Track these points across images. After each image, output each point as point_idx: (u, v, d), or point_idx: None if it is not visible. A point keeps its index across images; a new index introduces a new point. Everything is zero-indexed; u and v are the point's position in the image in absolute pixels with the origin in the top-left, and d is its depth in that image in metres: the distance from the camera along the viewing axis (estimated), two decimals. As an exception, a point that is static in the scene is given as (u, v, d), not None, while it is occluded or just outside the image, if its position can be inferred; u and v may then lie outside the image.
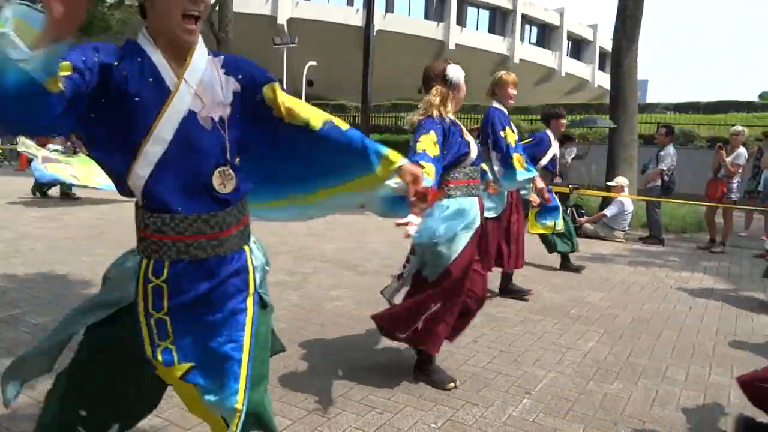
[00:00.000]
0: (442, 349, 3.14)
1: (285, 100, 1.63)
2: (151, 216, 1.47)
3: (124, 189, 1.49)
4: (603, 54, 42.28)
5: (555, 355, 3.65)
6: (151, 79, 1.43)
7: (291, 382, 3.09)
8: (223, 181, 1.49)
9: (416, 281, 3.03)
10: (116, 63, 1.41)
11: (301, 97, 31.78)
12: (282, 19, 33.96)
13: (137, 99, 1.40)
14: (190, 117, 1.45)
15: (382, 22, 33.33)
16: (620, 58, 10.10)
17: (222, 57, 1.58)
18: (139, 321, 1.49)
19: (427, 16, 38.13)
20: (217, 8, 17.17)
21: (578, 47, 44.78)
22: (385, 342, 3.62)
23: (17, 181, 13.00)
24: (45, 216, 8.33)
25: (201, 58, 1.52)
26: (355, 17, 34.39)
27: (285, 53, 31.51)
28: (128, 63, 1.43)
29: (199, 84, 1.49)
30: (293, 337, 3.79)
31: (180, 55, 1.49)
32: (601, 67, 43.39)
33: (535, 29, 42.31)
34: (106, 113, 1.38)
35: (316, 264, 5.94)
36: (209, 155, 1.47)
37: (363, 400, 2.93)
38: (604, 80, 39.59)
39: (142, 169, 1.42)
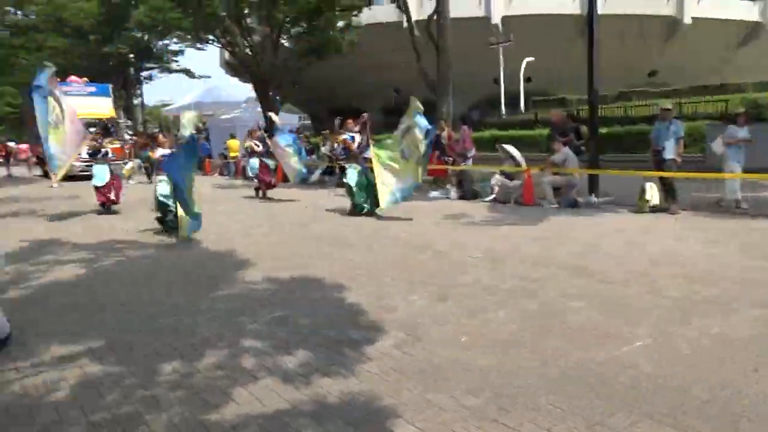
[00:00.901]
0: None
1: None
2: None
3: None
4: None
5: None
6: None
7: (538, 398, 3.01)
8: None
9: None
10: None
11: (519, 96, 31.17)
12: (496, 19, 33.73)
13: None
14: None
15: (603, 5, 31.16)
16: None
17: None
18: None
19: (653, -8, 34.61)
20: (434, 18, 17.67)
21: None
22: (641, 358, 3.33)
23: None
24: (298, 224, 9.40)
25: None
26: (571, 5, 32.66)
27: (501, 52, 31.33)
28: None
29: None
30: (534, 350, 3.70)
31: None
32: None
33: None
34: None
35: (552, 270, 5.74)
36: None
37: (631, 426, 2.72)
38: None
39: None
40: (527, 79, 33.15)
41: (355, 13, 23.63)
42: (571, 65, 32.47)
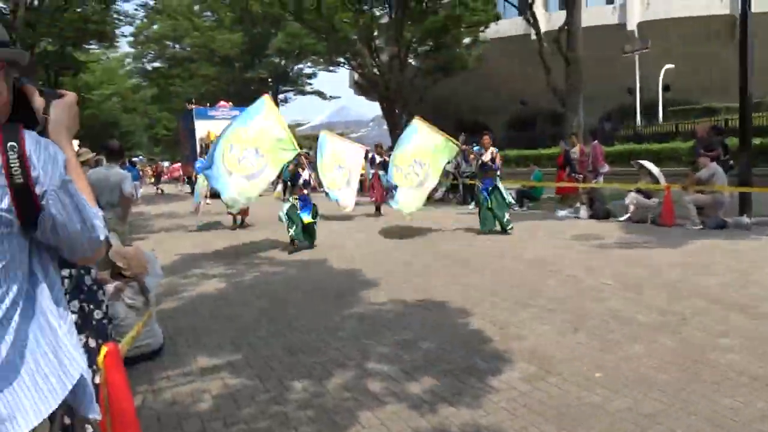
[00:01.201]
0: None
1: None
2: None
3: None
4: None
5: None
6: None
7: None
8: None
9: None
10: None
11: (657, 106, 29.11)
12: (631, 25, 31.87)
13: None
14: None
15: (757, 2, 28.38)
16: None
17: None
18: None
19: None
20: (565, 28, 17.08)
21: None
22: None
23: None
24: (422, 244, 9.45)
25: None
26: (719, 5, 30.00)
27: (636, 60, 29.50)
28: None
29: None
30: (677, 394, 3.38)
31: None
32: None
33: None
34: None
35: (696, 302, 5.24)
36: None
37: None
38: None
39: None
40: (666, 88, 30.87)
41: (481, 29, 23.57)
42: (718, 71, 29.83)
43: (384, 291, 6.26)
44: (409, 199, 10.16)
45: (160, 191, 29.43)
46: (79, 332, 2.86)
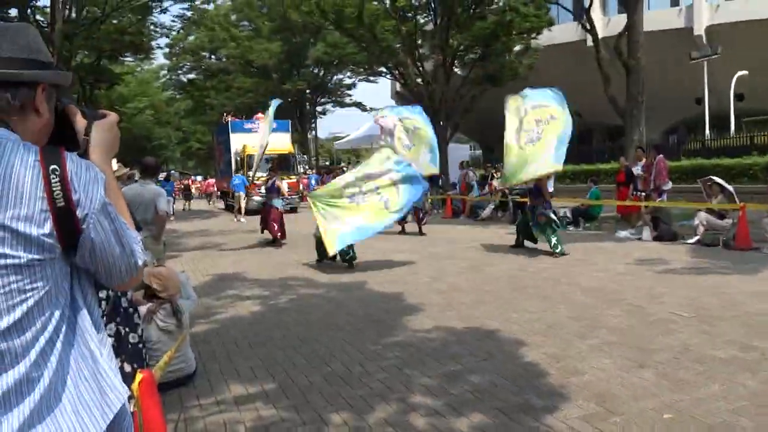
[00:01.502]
0: None
1: None
2: None
3: None
4: None
5: None
6: None
7: None
8: None
9: None
10: None
11: (728, 117, 28.28)
12: (699, 30, 31.17)
13: None
14: None
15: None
16: None
17: None
18: None
19: None
20: (625, 33, 16.84)
21: None
22: None
23: (461, 230, 15.09)
24: (471, 266, 9.37)
25: None
26: (799, 7, 29.06)
27: (705, 67, 28.77)
28: None
29: None
30: (761, 441, 3.21)
31: None
32: None
33: None
34: None
35: (777, 337, 5.00)
36: None
37: None
38: None
39: None
40: (739, 97, 29.97)
41: (534, 35, 23.42)
42: (800, 78, 28.79)
43: (429, 317, 6.21)
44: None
45: (187, 208, 29.98)
46: (115, 356, 2.93)
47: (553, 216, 10.28)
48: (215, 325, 6.31)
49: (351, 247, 9.43)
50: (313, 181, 27.80)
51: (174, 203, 26.37)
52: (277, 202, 12.89)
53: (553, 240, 10.04)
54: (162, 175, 26.70)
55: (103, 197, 1.32)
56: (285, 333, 5.87)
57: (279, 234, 12.79)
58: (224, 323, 6.39)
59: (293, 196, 23.07)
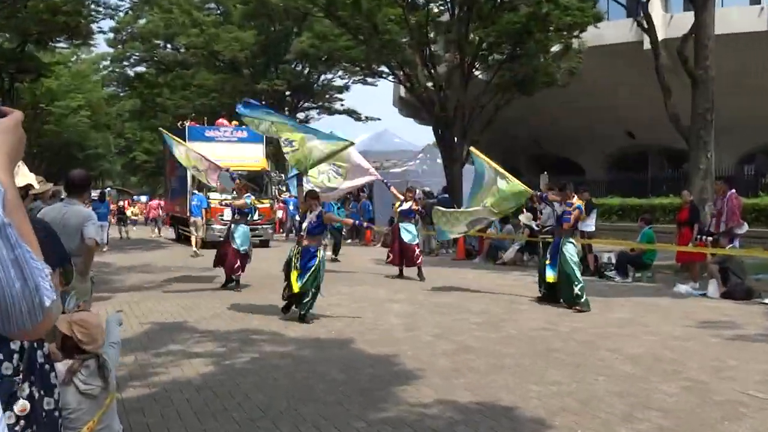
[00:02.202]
0: None
1: None
2: None
3: None
4: None
5: None
6: None
7: None
8: None
9: None
10: None
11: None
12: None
13: None
14: None
15: None
16: None
17: None
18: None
19: None
20: (692, 35, 17.05)
21: None
22: None
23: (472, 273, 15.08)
24: (486, 322, 9.34)
25: None
26: None
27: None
28: None
29: None
30: None
31: None
32: None
33: None
34: None
35: None
36: None
37: None
38: None
39: None
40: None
41: (576, 33, 23.61)
42: None
43: (430, 387, 6.17)
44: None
45: (125, 235, 29.94)
46: (24, 429, 2.88)
47: (575, 255, 10.72)
48: (153, 389, 6.26)
49: (313, 292, 9.50)
50: (291, 207, 27.84)
51: (109, 230, 26.37)
52: (240, 235, 12.71)
53: (576, 288, 10.13)
54: (95, 194, 26.70)
55: (0, 216, 1.32)
56: (243, 402, 5.82)
57: (237, 268, 12.59)
58: (165, 387, 6.34)
59: (265, 226, 22.93)
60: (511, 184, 10.96)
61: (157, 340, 8.36)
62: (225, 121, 26.34)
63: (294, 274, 9.44)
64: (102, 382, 4.51)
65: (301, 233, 9.77)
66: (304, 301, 9.50)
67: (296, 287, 9.37)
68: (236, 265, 12.57)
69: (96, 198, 24.06)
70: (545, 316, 9.84)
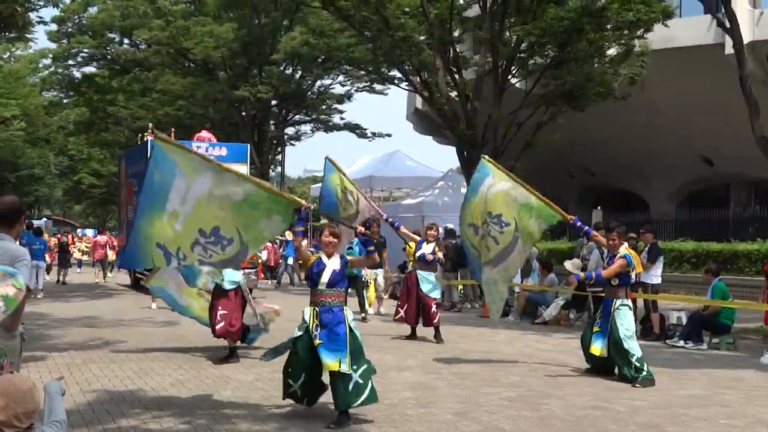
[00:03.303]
0: None
1: None
2: None
3: None
4: None
5: None
6: None
7: None
8: None
9: None
10: None
11: None
12: None
13: None
14: None
15: None
16: None
17: None
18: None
19: None
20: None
21: None
22: None
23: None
24: (521, 397, 9.32)
25: None
26: None
27: None
28: None
29: None
30: None
31: None
32: None
33: None
34: None
35: None
36: None
37: None
38: None
39: None
40: None
41: (640, 32, 23.57)
42: None
43: (447, 480, 6.16)
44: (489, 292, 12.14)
45: (61, 280, 29.99)
46: None
47: (630, 323, 10.65)
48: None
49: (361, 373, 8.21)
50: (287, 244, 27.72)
51: (45, 272, 26.34)
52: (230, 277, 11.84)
53: (633, 359, 10.17)
54: (27, 225, 26.72)
55: None
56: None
57: (233, 331, 11.72)
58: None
59: (247, 270, 22.46)
60: (540, 204, 11.06)
61: (103, 413, 8.35)
62: (206, 134, 26.05)
63: (325, 355, 8.01)
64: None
65: (318, 287, 8.33)
66: (349, 387, 8.00)
67: (331, 364, 7.95)
68: (236, 323, 11.71)
69: (29, 232, 24.11)
70: (596, 390, 9.82)
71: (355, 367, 7.94)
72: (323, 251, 8.48)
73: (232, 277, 11.69)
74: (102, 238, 34.23)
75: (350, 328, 8.13)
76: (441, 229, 20.00)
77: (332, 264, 8.30)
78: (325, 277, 8.22)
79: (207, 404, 8.84)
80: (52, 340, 13.80)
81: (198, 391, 9.59)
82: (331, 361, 7.89)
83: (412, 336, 14.37)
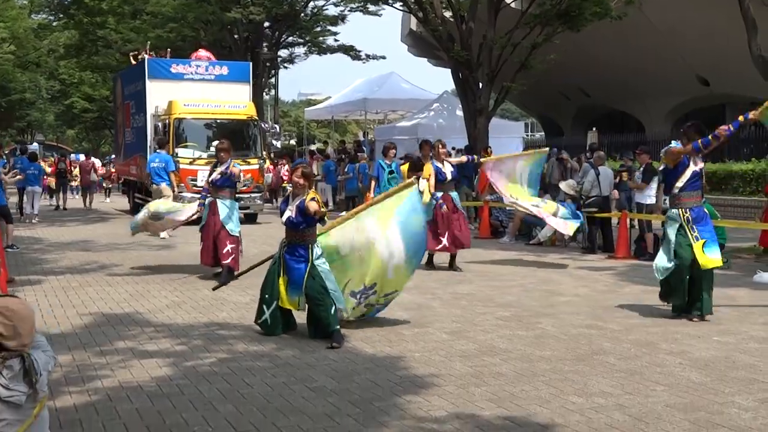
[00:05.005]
0: None
1: None
2: None
3: None
4: None
5: None
6: None
7: None
8: None
9: None
10: None
11: None
12: None
13: None
14: None
15: None
16: None
17: None
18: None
19: None
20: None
21: None
22: None
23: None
24: (516, 316, 9.36)
25: None
26: None
27: None
28: None
29: None
30: None
31: None
32: None
33: None
34: None
35: None
36: None
37: None
38: None
39: None
40: None
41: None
42: None
43: (443, 397, 6.22)
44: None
45: (60, 206, 29.87)
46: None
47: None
48: (94, 397, 6.28)
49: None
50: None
51: (42, 197, 26.28)
52: (227, 214, 11.78)
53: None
54: (22, 150, 26.49)
55: None
56: (207, 415, 5.85)
57: (232, 260, 11.73)
58: (109, 394, 6.36)
59: (252, 194, 22.24)
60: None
61: (100, 335, 8.39)
62: (205, 53, 25.19)
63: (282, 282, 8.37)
64: (28, 388, 4.49)
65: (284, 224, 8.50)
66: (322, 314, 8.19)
67: (291, 303, 8.35)
68: (231, 250, 11.71)
69: (23, 157, 23.93)
70: (591, 309, 9.88)
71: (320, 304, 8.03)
72: (293, 189, 8.61)
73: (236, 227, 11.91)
74: (92, 160, 33.79)
75: (313, 265, 8.16)
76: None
77: (294, 204, 8.26)
78: (284, 217, 8.35)
79: (203, 325, 8.87)
80: (47, 264, 13.83)
81: (194, 312, 9.62)
82: (291, 300, 8.32)
83: (430, 263, 13.34)
